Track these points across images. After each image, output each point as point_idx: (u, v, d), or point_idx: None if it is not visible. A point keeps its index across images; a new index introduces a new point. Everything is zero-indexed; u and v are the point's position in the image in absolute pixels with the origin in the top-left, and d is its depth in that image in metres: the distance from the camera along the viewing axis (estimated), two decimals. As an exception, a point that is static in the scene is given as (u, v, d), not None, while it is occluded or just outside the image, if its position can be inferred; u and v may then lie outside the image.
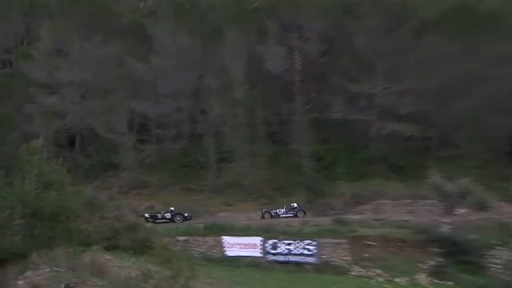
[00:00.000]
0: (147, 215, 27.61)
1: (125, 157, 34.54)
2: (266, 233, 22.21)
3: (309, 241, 21.59)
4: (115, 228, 19.25)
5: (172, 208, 27.85)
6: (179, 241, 21.70)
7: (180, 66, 35.80)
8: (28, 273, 12.59)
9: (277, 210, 27.77)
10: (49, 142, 28.59)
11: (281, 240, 21.76)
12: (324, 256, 21.29)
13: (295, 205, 28.15)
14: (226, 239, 21.93)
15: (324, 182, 31.94)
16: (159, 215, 27.42)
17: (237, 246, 21.84)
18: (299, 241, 21.68)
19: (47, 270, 12.43)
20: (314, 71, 36.16)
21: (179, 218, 27.30)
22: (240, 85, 34.45)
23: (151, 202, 31.36)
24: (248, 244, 21.78)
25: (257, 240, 21.77)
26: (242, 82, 34.49)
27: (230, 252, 21.64)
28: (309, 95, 36.68)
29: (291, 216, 27.18)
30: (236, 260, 21.11)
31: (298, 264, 21.25)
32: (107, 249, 16.15)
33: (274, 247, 21.77)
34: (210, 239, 22.06)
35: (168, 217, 27.36)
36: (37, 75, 36.00)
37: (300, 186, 31.94)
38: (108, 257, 14.22)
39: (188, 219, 27.24)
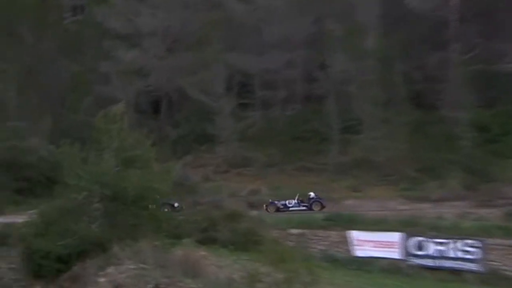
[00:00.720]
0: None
1: (223, 127, 35.27)
2: (408, 227, 21.40)
3: (469, 241, 20.36)
4: (211, 217, 19.77)
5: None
6: (291, 234, 21.74)
7: (293, 6, 35.37)
8: (110, 269, 13.35)
9: (286, 202, 27.05)
10: (129, 108, 30.18)
11: (430, 238, 20.79)
12: (491, 263, 19.96)
13: (312, 195, 27.31)
14: (354, 234, 21.52)
15: (490, 160, 30.03)
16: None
17: (369, 244, 21.35)
18: (455, 240, 20.56)
19: (132, 266, 13.06)
20: (478, 6, 33.67)
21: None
22: (371, 30, 33.22)
23: (255, 185, 31.82)
24: (383, 242, 21.17)
25: (396, 236, 21.07)
26: (375, 26, 33.22)
27: (359, 252, 21.23)
28: (470, 41, 34.20)
29: (304, 210, 26.53)
30: (368, 263, 20.65)
31: (454, 271, 20.19)
32: (202, 242, 16.62)
33: (420, 247, 20.84)
34: (333, 234, 21.79)
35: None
36: (114, 24, 37.52)
37: (455, 166, 30.33)
38: (203, 253, 14.59)
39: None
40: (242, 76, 37.04)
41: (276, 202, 27.75)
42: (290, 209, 27.43)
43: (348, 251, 21.25)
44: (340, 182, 31.47)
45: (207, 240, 17.82)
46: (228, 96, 35.40)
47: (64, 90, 40.57)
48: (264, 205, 27.57)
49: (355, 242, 21.75)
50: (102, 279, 13.15)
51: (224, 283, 12.21)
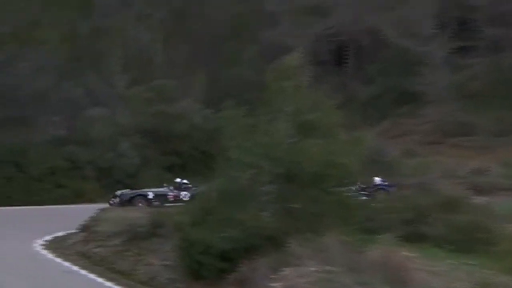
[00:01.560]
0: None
1: (433, 81, 34.48)
2: None
3: None
4: (417, 205, 19.54)
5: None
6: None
7: None
8: (286, 270, 13.76)
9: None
10: (305, 59, 30.52)
11: None
12: None
13: (378, 180, 26.41)
14: None
15: None
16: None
17: None
18: None
19: (314, 268, 13.33)
20: None
21: None
22: None
23: (480, 161, 30.83)
24: None
25: None
26: None
27: None
28: None
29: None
30: None
31: None
32: (407, 239, 16.49)
33: None
34: None
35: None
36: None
37: None
38: (407, 253, 14.45)
39: None
40: (460, 9, 35.66)
41: None
42: None
43: None
44: None
45: (413, 236, 17.62)
46: (440, 38, 34.36)
47: (221, 39, 42.26)
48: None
49: None
50: (276, 284, 13.59)
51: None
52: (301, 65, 17.83)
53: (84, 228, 24.42)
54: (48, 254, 21.67)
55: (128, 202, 30.41)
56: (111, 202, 31.55)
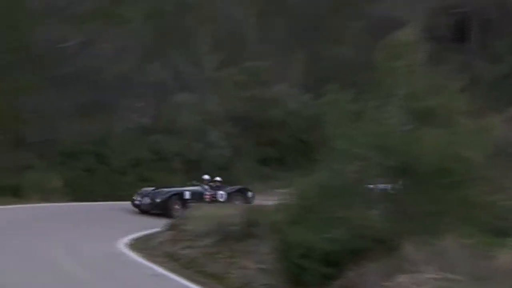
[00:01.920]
0: None
1: None
2: None
3: None
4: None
5: None
6: None
7: None
8: (401, 277, 13.61)
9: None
10: (421, 35, 29.96)
11: None
12: None
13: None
14: None
15: None
16: None
17: None
18: None
19: (433, 275, 13.16)
20: None
21: None
22: None
23: None
24: None
25: None
26: None
27: None
28: None
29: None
30: None
31: None
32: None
33: None
34: None
35: None
36: None
37: None
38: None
39: None
40: None
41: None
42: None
43: None
44: None
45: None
46: None
47: (323, 14, 42.04)
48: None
49: None
50: (388, 292, 13.50)
51: None
52: (416, 42, 17.57)
53: (171, 226, 24.83)
54: (133, 255, 22.15)
55: (163, 204, 29.84)
56: (136, 202, 30.64)
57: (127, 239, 25.00)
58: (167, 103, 40.69)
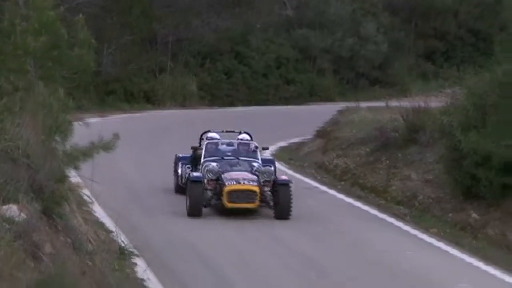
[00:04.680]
0: None
1: None
2: None
3: None
4: None
5: None
6: None
7: None
8: None
9: None
10: None
11: None
12: None
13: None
14: None
15: None
16: None
17: None
18: None
19: None
20: None
21: None
22: None
23: None
24: None
25: None
26: None
27: None
28: None
29: None
30: None
31: None
32: None
33: None
34: None
35: None
36: None
37: None
38: None
39: None
40: None
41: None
42: None
43: None
44: None
45: None
46: None
47: None
48: None
49: None
50: None
51: None
52: None
53: (321, 133, 24.64)
54: (280, 166, 22.01)
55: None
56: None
57: (273, 148, 25.03)
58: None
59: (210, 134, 18.39)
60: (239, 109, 35.09)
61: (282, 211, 16.00)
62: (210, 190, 16.36)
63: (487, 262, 13.66)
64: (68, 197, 11.67)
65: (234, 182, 16.12)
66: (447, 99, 18.85)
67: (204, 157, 17.31)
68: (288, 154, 24.45)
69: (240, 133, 18.85)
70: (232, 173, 16.53)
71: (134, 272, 12.02)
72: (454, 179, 16.86)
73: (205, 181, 16.38)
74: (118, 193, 17.91)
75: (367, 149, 21.28)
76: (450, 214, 16.69)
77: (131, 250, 12.58)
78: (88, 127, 13.15)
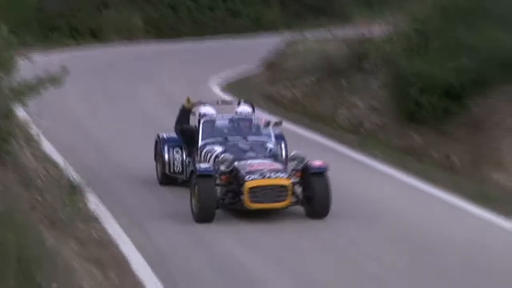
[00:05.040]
0: None
1: None
2: None
3: None
4: None
5: None
6: None
7: None
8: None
9: None
10: None
11: None
12: None
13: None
14: None
15: None
16: None
17: None
18: None
19: None
20: None
21: None
22: None
23: None
24: None
25: None
26: None
27: None
28: None
29: None
30: None
31: None
32: None
33: None
34: None
35: None
36: None
37: None
38: None
39: None
40: None
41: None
42: None
43: None
44: None
45: None
46: None
47: None
48: None
49: None
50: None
51: None
52: None
53: (268, 65, 24.58)
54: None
55: None
56: None
57: (221, 80, 25.01)
58: None
59: (204, 109, 14.15)
60: (187, 44, 34.82)
61: (319, 209, 12.18)
62: (223, 185, 12.40)
63: (432, 183, 13.97)
64: (16, 133, 11.66)
65: (257, 176, 12.16)
66: (390, 26, 18.88)
67: (202, 139, 13.48)
68: (236, 86, 24.43)
69: (238, 103, 14.71)
70: (250, 161, 12.57)
71: (86, 207, 12.04)
72: (398, 105, 17.03)
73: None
74: (66, 129, 17.92)
75: (313, 79, 21.32)
76: (395, 140, 16.92)
77: (81, 184, 12.59)
78: (33, 63, 12.96)
